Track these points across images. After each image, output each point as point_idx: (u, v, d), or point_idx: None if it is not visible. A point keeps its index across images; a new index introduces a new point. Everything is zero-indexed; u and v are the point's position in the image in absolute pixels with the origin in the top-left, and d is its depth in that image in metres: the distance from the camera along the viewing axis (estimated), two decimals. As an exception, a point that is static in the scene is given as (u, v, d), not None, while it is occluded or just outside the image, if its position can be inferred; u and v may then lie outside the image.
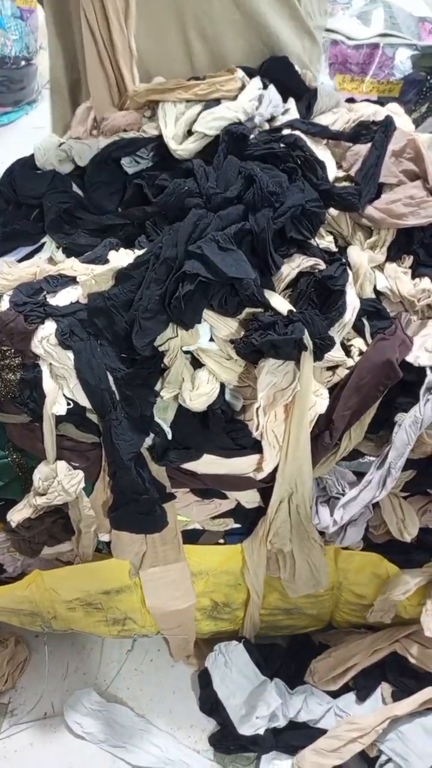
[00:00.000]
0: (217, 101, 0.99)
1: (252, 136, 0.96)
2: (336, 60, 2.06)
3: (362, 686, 1.31)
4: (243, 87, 1.02)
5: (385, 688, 1.31)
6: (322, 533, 1.10)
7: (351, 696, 1.32)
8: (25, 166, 1.09)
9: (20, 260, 1.06)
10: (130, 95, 1.05)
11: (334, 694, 1.33)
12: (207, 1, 1.03)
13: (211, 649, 1.41)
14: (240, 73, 1.02)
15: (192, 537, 1.19)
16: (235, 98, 0.99)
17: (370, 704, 1.30)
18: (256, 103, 0.99)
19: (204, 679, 1.39)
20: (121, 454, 0.95)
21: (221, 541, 1.21)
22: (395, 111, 1.05)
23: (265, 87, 1.02)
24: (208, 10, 1.04)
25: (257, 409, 0.87)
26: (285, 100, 1.02)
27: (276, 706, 1.30)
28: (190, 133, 1.00)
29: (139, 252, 0.91)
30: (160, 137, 1.00)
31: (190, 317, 0.83)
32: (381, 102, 1.13)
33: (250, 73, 1.03)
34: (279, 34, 1.06)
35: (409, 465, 1.00)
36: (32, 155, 1.13)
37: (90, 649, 1.52)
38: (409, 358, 0.89)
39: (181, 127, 0.99)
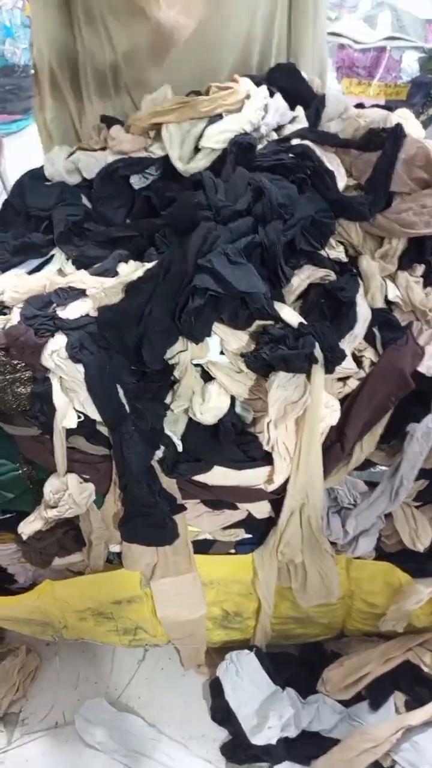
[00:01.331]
0: (220, 116, 0.99)
1: (260, 146, 0.96)
2: (343, 64, 2.05)
3: (375, 695, 1.30)
4: (248, 96, 1.02)
5: (398, 697, 1.30)
6: (333, 543, 1.10)
7: (364, 705, 1.31)
8: (35, 178, 1.09)
9: (30, 272, 1.06)
10: (132, 121, 1.05)
11: (347, 704, 1.32)
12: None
13: (223, 658, 1.40)
14: (244, 83, 1.02)
15: (203, 547, 1.19)
16: (239, 109, 0.98)
17: (383, 713, 1.29)
18: (262, 112, 0.99)
19: (215, 689, 1.39)
20: (132, 467, 0.95)
21: (232, 551, 1.21)
22: (405, 117, 1.04)
23: (271, 95, 1.01)
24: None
25: (268, 423, 0.86)
26: (293, 108, 1.01)
27: (288, 716, 1.29)
28: (196, 149, 0.99)
29: (148, 264, 0.91)
30: (166, 156, 1.00)
31: (200, 331, 0.83)
32: (390, 107, 1.12)
33: (257, 82, 1.03)
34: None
35: (422, 475, 0.99)
36: (41, 167, 1.13)
37: (101, 658, 1.52)
38: (421, 368, 0.89)
39: (189, 146, 0.99)
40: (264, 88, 1.02)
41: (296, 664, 1.41)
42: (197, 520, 1.11)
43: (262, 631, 1.36)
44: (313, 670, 1.37)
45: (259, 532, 1.15)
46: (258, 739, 1.28)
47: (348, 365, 0.87)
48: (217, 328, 0.88)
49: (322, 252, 0.89)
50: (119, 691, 1.47)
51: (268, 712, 1.29)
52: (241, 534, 1.16)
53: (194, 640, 1.37)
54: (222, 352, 0.90)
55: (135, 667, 1.50)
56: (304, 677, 1.37)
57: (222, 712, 1.36)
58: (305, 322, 0.84)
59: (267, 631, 1.36)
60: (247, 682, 1.36)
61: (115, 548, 1.15)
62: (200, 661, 1.46)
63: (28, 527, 1.06)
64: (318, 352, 0.81)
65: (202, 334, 0.84)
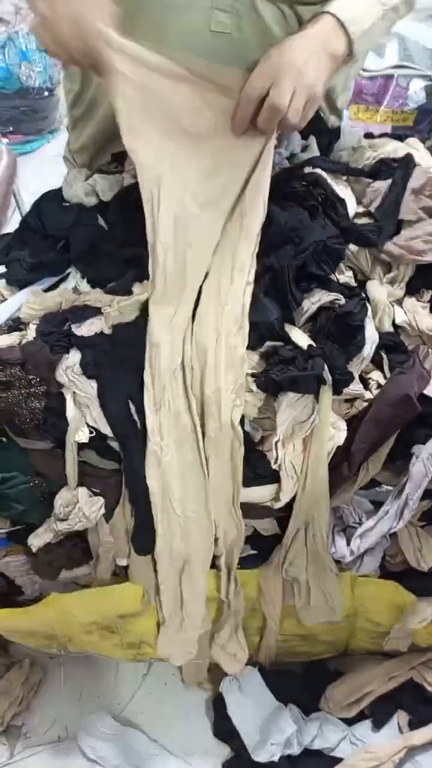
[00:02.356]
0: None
1: (273, 173, 0.99)
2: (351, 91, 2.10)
3: (378, 714, 1.31)
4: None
5: (401, 716, 1.30)
6: (338, 562, 1.11)
7: (367, 724, 1.31)
8: (53, 199, 1.12)
9: (46, 290, 1.09)
10: None
11: (350, 722, 1.32)
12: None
13: (225, 673, 1.41)
14: None
15: (209, 563, 1.20)
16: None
17: (386, 732, 1.29)
18: (275, 142, 1.02)
19: (218, 705, 1.39)
20: (142, 483, 0.97)
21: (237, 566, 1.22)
22: (415, 146, 1.07)
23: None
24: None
25: (276, 442, 0.89)
26: (306, 138, 1.05)
27: (291, 733, 1.29)
28: None
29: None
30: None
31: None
32: (400, 136, 1.15)
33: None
34: None
35: (427, 495, 1.01)
36: (59, 188, 1.17)
37: (104, 672, 1.53)
38: (428, 392, 0.91)
39: None
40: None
41: (299, 682, 1.41)
42: (204, 536, 1.13)
43: (266, 648, 1.36)
44: (316, 688, 1.38)
45: (264, 548, 1.16)
46: (260, 756, 1.28)
47: (356, 387, 0.89)
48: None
49: (332, 276, 0.92)
50: (122, 705, 1.47)
51: (271, 729, 1.30)
52: (247, 550, 1.17)
53: (198, 656, 1.37)
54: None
55: (138, 682, 1.50)
56: (307, 695, 1.38)
57: (224, 729, 1.37)
58: (314, 345, 0.87)
59: (271, 648, 1.36)
60: (249, 699, 1.36)
61: (122, 562, 1.17)
62: (202, 677, 1.46)
63: (38, 539, 1.08)
64: (327, 373, 0.83)
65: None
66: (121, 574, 1.22)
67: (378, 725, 1.31)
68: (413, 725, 1.30)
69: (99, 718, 1.42)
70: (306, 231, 0.88)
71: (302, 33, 0.87)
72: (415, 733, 1.27)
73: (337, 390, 0.86)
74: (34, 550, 1.09)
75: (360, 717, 1.33)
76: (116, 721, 1.42)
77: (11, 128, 3.23)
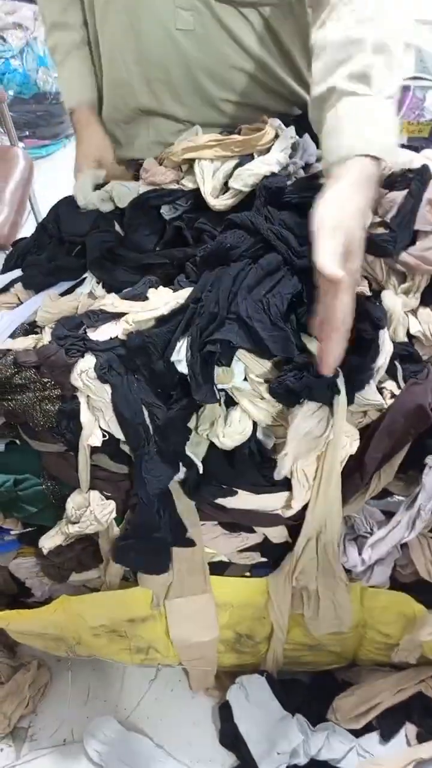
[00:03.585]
0: (251, 155, 1.03)
1: (289, 182, 1.00)
2: (368, 101, 2.10)
3: (386, 726, 1.30)
4: (277, 135, 1.06)
5: (409, 729, 1.29)
6: (348, 571, 1.11)
7: (374, 736, 1.30)
8: (70, 205, 1.13)
9: (62, 294, 1.10)
10: (165, 155, 1.09)
11: (357, 734, 1.32)
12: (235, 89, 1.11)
13: (232, 681, 1.40)
14: (275, 123, 1.06)
15: (218, 569, 1.20)
16: (269, 149, 1.02)
17: (394, 745, 1.28)
18: (290, 151, 1.03)
19: (225, 712, 1.39)
20: (147, 489, 0.97)
21: (247, 573, 1.22)
22: (431, 157, 1.07)
23: (300, 136, 1.05)
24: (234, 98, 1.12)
25: (283, 455, 0.89)
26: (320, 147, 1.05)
27: (297, 743, 1.29)
28: (225, 185, 1.03)
29: (180, 293, 0.94)
30: (196, 189, 1.05)
31: (228, 359, 0.87)
32: (416, 147, 1.15)
33: (286, 123, 1.07)
34: None
35: (439, 506, 1.01)
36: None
37: (112, 676, 1.53)
38: (441, 402, 0.91)
39: (219, 181, 1.03)
40: (292, 128, 1.06)
41: (307, 692, 1.41)
42: (214, 542, 1.13)
43: (273, 656, 1.36)
44: (324, 698, 1.37)
45: (274, 556, 1.16)
46: (266, 765, 1.28)
47: (374, 397, 0.89)
48: (242, 354, 0.90)
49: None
50: (128, 710, 1.47)
51: (277, 738, 1.29)
52: (257, 557, 1.17)
53: (205, 663, 1.37)
54: (245, 378, 0.92)
55: (145, 688, 1.51)
56: (315, 705, 1.37)
57: (230, 737, 1.36)
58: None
59: (278, 657, 1.36)
60: (256, 707, 1.36)
61: (132, 567, 1.17)
62: (209, 684, 1.46)
63: (49, 541, 1.09)
64: (341, 382, 0.83)
65: (229, 361, 0.88)
66: (130, 579, 1.22)
67: (386, 737, 1.30)
68: (421, 738, 1.29)
69: (105, 722, 1.42)
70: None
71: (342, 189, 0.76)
72: (424, 746, 1.26)
73: (351, 398, 0.86)
74: (44, 552, 1.10)
75: (368, 729, 1.32)
76: (122, 726, 1.42)
77: (28, 132, 3.27)
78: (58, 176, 2.64)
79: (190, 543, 1.07)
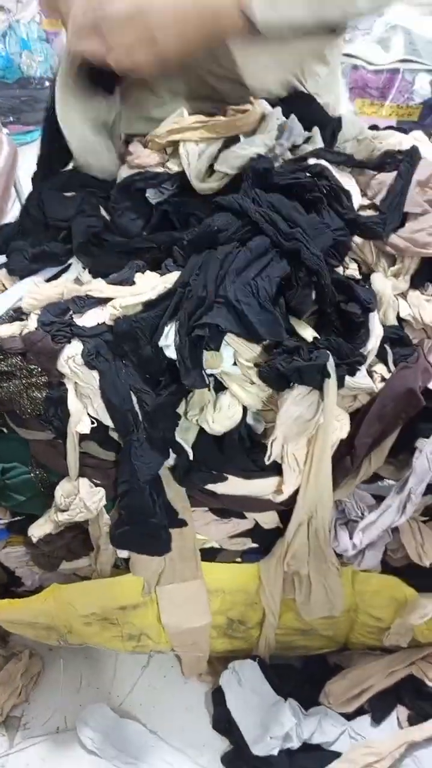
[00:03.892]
0: (236, 137, 1.01)
1: (277, 164, 0.98)
2: (356, 84, 2.09)
3: (378, 709, 1.31)
4: (264, 117, 1.04)
5: (401, 712, 1.30)
6: (339, 556, 1.11)
7: (366, 719, 1.31)
8: (53, 188, 1.11)
9: (48, 280, 1.08)
10: (150, 137, 1.08)
11: (349, 717, 1.33)
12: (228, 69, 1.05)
13: (225, 666, 1.41)
14: (261, 104, 1.04)
15: (209, 555, 1.20)
16: (255, 131, 1.01)
17: (386, 727, 1.29)
18: (276, 132, 1.01)
19: (217, 698, 1.39)
20: (138, 475, 0.96)
21: (238, 559, 1.22)
22: (420, 139, 1.07)
23: (287, 117, 1.04)
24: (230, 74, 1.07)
25: (272, 440, 0.88)
26: (309, 130, 1.04)
27: (290, 727, 1.29)
28: (211, 167, 1.02)
29: (167, 276, 0.93)
30: (182, 172, 1.03)
31: (217, 343, 0.86)
32: (405, 129, 1.14)
33: (273, 104, 1.05)
34: None
35: (429, 490, 1.01)
36: (61, 174, 1.16)
37: (104, 664, 1.53)
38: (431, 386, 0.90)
39: (204, 163, 1.01)
40: (278, 109, 1.05)
41: (299, 676, 1.42)
42: (205, 528, 1.13)
43: (265, 641, 1.36)
44: (316, 682, 1.38)
45: (266, 542, 1.16)
46: (259, 750, 1.28)
47: (363, 381, 0.89)
48: (231, 338, 0.90)
49: (339, 269, 0.92)
50: (121, 697, 1.47)
51: (270, 723, 1.30)
52: (248, 543, 1.17)
53: (197, 649, 1.38)
54: (235, 363, 0.91)
55: (137, 674, 1.51)
56: (307, 689, 1.38)
57: (223, 722, 1.37)
58: (319, 337, 0.86)
59: (270, 642, 1.36)
60: (249, 692, 1.36)
61: (122, 554, 1.17)
62: (202, 669, 1.47)
63: (38, 530, 1.08)
64: (332, 366, 0.82)
65: (218, 345, 0.87)
66: (121, 566, 1.22)
67: (378, 720, 1.31)
68: (413, 721, 1.30)
69: (98, 710, 1.42)
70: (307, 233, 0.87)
71: None
72: (415, 729, 1.27)
73: (342, 382, 0.86)
74: (34, 540, 1.09)
75: (359, 712, 1.33)
76: (115, 713, 1.43)
77: (12, 118, 3.22)
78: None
79: (182, 523, 1.06)
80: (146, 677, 1.50)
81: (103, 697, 1.47)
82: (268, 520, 1.09)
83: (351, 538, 1.03)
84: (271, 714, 1.32)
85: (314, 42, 1.00)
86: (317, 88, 1.13)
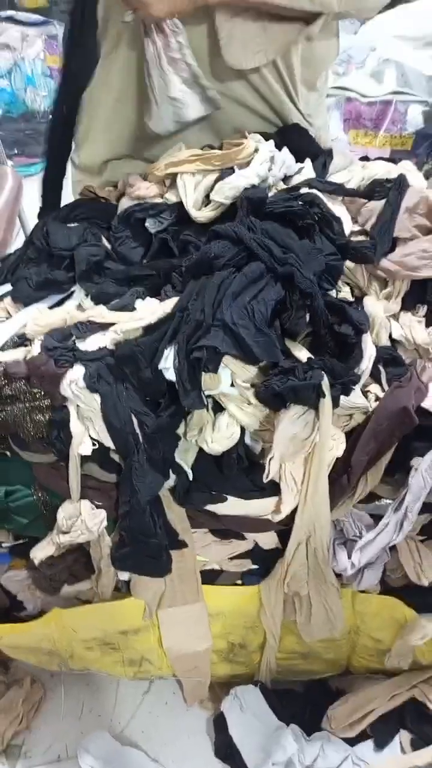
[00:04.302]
0: (231, 169, 1.06)
1: (270, 194, 1.02)
2: (350, 116, 2.16)
3: (380, 734, 1.30)
4: (257, 150, 1.09)
5: (403, 736, 1.29)
6: (339, 576, 1.12)
7: (369, 744, 1.30)
8: (57, 219, 1.15)
9: (51, 307, 1.11)
10: (150, 170, 1.13)
11: (352, 742, 1.31)
12: (228, 85, 1.13)
13: (227, 692, 1.40)
14: (254, 138, 1.09)
15: (210, 577, 1.20)
16: (249, 163, 1.05)
17: (389, 752, 1.28)
18: (269, 164, 1.06)
19: (219, 724, 1.38)
20: (139, 496, 0.98)
21: (239, 581, 1.23)
22: (408, 168, 1.11)
23: (279, 150, 1.08)
24: (228, 92, 1.14)
25: (270, 459, 0.90)
26: (301, 161, 1.08)
27: (292, 752, 1.28)
28: (207, 197, 1.06)
29: (166, 302, 0.96)
30: (180, 202, 1.07)
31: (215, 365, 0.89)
32: (394, 159, 1.19)
33: (266, 138, 1.10)
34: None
35: (426, 508, 1.02)
36: (63, 207, 1.20)
37: (105, 690, 1.52)
38: (425, 404, 0.92)
39: (200, 193, 1.06)
40: (271, 142, 1.09)
41: (301, 701, 1.40)
42: (205, 550, 1.14)
43: (267, 665, 1.36)
44: (318, 707, 1.37)
45: (266, 563, 1.16)
46: (261, 776, 1.27)
47: (358, 400, 0.91)
48: (228, 360, 0.92)
49: (332, 292, 0.95)
50: (122, 724, 1.46)
51: (272, 749, 1.29)
52: (248, 564, 1.18)
53: (199, 673, 1.37)
54: (232, 384, 0.94)
55: (139, 701, 1.50)
56: (309, 714, 1.37)
57: (225, 748, 1.35)
58: (313, 357, 0.89)
59: (272, 665, 1.36)
60: (251, 718, 1.35)
61: (123, 576, 1.17)
62: (203, 695, 1.45)
63: (40, 552, 1.09)
64: (326, 385, 0.85)
65: (215, 367, 0.89)
66: (123, 589, 1.22)
67: (380, 745, 1.30)
68: (415, 745, 1.28)
69: (99, 737, 1.41)
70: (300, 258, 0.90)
71: None
72: (418, 754, 1.26)
73: (337, 402, 0.88)
74: (36, 563, 1.10)
75: (362, 737, 1.32)
76: (116, 740, 1.41)
77: (16, 151, 3.32)
78: (47, 194, 2.66)
79: (183, 544, 1.07)
80: (147, 704, 1.49)
81: (105, 725, 1.46)
82: (268, 540, 1.10)
83: (349, 557, 1.04)
84: (273, 739, 1.31)
85: (289, 29, 1.08)
86: (308, 110, 1.20)
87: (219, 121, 1.17)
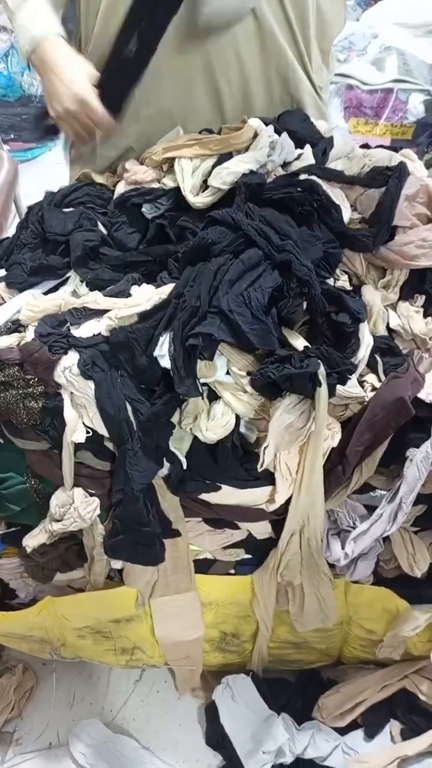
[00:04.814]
0: (229, 154, 1.04)
1: (269, 180, 1.01)
2: (351, 104, 2.14)
3: (371, 723, 1.30)
4: (256, 135, 1.07)
5: (394, 726, 1.30)
6: (332, 566, 1.11)
7: (359, 733, 1.31)
8: (53, 204, 1.13)
9: (46, 293, 1.10)
10: (147, 155, 1.11)
11: (342, 731, 1.32)
12: (234, 52, 1.09)
13: (218, 681, 1.40)
14: (254, 123, 1.07)
15: (203, 567, 1.20)
16: (247, 148, 1.04)
17: (379, 742, 1.29)
18: (268, 149, 1.04)
19: (211, 713, 1.39)
20: (133, 484, 0.97)
21: (232, 571, 1.22)
22: (409, 157, 1.09)
23: (279, 134, 1.06)
24: (233, 62, 1.11)
25: (265, 448, 0.89)
26: (301, 147, 1.07)
27: (283, 742, 1.29)
28: (205, 183, 1.05)
29: (162, 288, 0.95)
30: (177, 188, 1.06)
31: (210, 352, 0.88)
32: (395, 147, 1.17)
33: (266, 123, 1.08)
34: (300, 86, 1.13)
35: (420, 500, 1.02)
36: (58, 191, 1.18)
37: (97, 678, 1.52)
38: (421, 395, 0.92)
39: (198, 179, 1.05)
40: (271, 127, 1.08)
41: (292, 690, 1.41)
42: (198, 539, 1.13)
43: (259, 655, 1.36)
44: (309, 697, 1.37)
45: (259, 552, 1.16)
46: (252, 765, 1.27)
47: (354, 390, 0.90)
48: (224, 348, 0.91)
49: (329, 281, 0.94)
50: (114, 712, 1.46)
51: (263, 738, 1.29)
52: (242, 554, 1.18)
53: (191, 662, 1.37)
54: (228, 372, 0.93)
55: (130, 689, 1.50)
56: (300, 703, 1.37)
57: (216, 737, 1.36)
58: (310, 346, 0.88)
59: (264, 655, 1.36)
60: (242, 707, 1.36)
61: (116, 565, 1.17)
62: (195, 684, 1.46)
63: (33, 540, 1.08)
64: (322, 375, 0.84)
65: (211, 355, 0.88)
66: (115, 578, 1.22)
67: (371, 735, 1.31)
68: (406, 735, 1.29)
69: (90, 725, 1.41)
70: (299, 246, 0.89)
71: None
72: (408, 744, 1.27)
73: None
74: (28, 551, 1.09)
75: (353, 726, 1.33)
76: (108, 728, 1.41)
77: (13, 135, 3.28)
78: (43, 179, 2.65)
79: (176, 533, 1.07)
80: (139, 692, 1.49)
81: (96, 712, 1.46)
82: (261, 530, 1.10)
83: (343, 547, 1.04)
84: (264, 729, 1.31)
85: None
86: (321, 82, 1.19)
87: (224, 95, 1.14)
